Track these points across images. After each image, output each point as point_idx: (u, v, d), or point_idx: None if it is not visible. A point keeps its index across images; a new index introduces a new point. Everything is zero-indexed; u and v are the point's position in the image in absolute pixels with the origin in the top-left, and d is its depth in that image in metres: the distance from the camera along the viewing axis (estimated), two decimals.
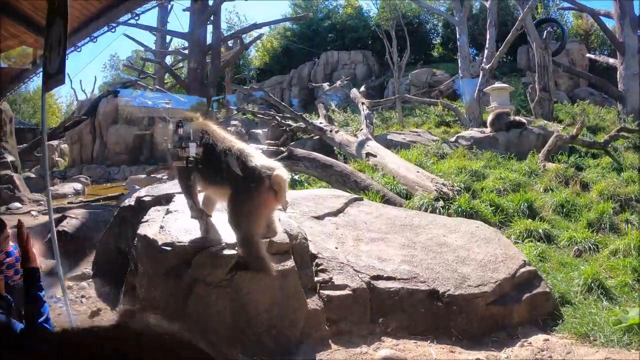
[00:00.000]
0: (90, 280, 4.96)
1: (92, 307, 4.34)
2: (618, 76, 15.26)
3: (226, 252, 3.15)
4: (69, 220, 6.59)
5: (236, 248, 3.17)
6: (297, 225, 3.73)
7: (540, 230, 6.00)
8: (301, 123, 12.87)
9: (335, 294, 3.33)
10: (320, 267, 3.55)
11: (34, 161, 21.87)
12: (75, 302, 4.43)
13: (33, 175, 17.59)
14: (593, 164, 9.48)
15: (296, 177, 8.21)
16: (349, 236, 4.25)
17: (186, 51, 18.51)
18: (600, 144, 10.36)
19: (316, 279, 3.45)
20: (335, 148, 11.03)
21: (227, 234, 3.29)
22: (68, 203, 12.70)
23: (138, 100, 19.37)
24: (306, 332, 3.15)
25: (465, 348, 3.18)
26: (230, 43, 20.23)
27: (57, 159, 23.76)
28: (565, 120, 14.27)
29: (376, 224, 4.73)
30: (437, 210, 6.15)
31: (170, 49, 24.46)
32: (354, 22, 27.63)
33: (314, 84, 19.52)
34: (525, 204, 6.76)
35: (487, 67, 13.62)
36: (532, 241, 5.80)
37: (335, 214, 4.88)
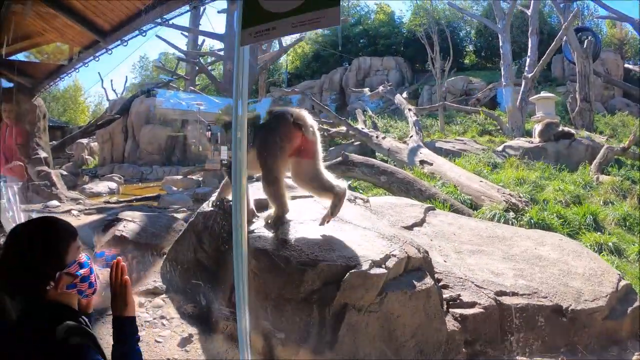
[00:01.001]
0: (165, 296, 4.14)
1: (178, 332, 3.54)
2: None
3: (376, 270, 2.82)
4: (126, 224, 5.66)
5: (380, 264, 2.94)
6: (410, 238, 3.62)
7: (610, 244, 5.99)
8: (342, 127, 12.93)
9: (468, 313, 3.19)
10: (441, 282, 3.44)
11: (63, 158, 22.16)
12: (154, 324, 3.66)
13: (65, 173, 17.84)
14: None
15: (348, 182, 8.27)
16: (448, 248, 4.25)
17: (221, 53, 18.67)
18: None
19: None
20: (379, 154, 11.06)
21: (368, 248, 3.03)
22: (105, 202, 12.77)
23: (172, 101, 19.50)
24: (447, 356, 2.98)
25: None
26: (264, 46, 20.36)
27: (86, 157, 24.03)
28: (606, 132, 14.13)
29: (464, 235, 4.73)
30: (510, 222, 6.17)
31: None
32: (387, 28, 27.64)
33: (354, 89, 19.49)
34: (591, 217, 6.75)
35: (529, 75, 13.54)
36: (603, 254, 5.80)
37: (420, 224, 4.87)
